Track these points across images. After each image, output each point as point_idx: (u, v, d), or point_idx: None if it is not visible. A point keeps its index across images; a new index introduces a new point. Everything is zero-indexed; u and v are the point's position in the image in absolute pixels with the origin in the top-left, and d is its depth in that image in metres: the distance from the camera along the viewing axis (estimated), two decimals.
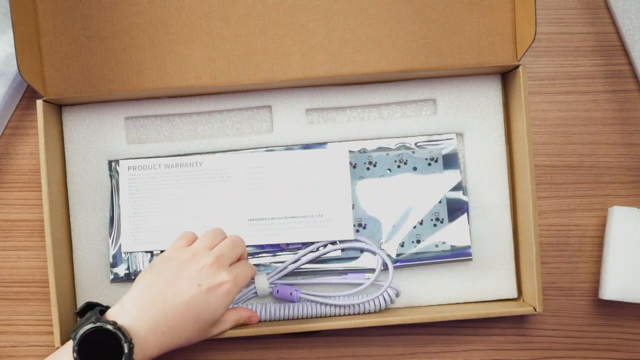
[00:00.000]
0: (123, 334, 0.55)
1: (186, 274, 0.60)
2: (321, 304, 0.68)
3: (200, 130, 0.73)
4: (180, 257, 0.61)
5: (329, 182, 0.71)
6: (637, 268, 0.70)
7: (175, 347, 0.59)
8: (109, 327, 0.56)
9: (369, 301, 0.68)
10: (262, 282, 0.68)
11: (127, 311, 0.58)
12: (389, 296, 0.69)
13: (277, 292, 0.69)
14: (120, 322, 0.57)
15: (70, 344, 0.57)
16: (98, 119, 0.72)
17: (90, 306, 0.63)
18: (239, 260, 0.64)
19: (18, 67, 0.64)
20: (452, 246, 0.71)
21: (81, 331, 0.56)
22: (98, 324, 0.56)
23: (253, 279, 0.68)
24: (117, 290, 0.71)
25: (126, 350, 0.55)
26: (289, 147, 0.72)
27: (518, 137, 0.70)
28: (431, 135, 0.72)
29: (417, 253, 0.71)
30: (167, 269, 0.60)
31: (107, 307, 0.61)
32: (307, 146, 0.72)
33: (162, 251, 0.71)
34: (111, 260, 0.71)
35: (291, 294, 0.69)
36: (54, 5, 0.68)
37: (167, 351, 0.59)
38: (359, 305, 0.68)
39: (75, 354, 0.56)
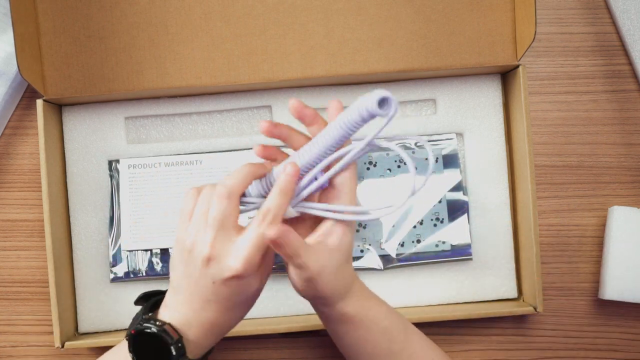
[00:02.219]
0: (169, 335, 0.51)
1: (195, 272, 0.52)
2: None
3: (200, 130, 0.73)
4: (185, 244, 0.52)
5: None
6: (637, 268, 0.70)
7: (231, 329, 0.55)
8: (154, 330, 0.51)
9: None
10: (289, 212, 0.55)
11: (171, 311, 0.53)
12: None
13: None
14: (168, 319, 0.52)
15: (125, 343, 0.54)
16: (98, 119, 0.72)
17: (147, 296, 0.57)
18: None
19: (18, 67, 0.65)
20: (452, 246, 0.71)
21: (130, 332, 0.52)
22: (143, 326, 0.51)
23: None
24: (117, 290, 0.71)
25: (174, 353, 0.50)
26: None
27: (518, 137, 0.70)
28: (431, 135, 0.72)
29: (417, 253, 0.71)
30: (181, 262, 0.53)
31: (164, 294, 0.55)
32: None
33: (162, 250, 0.71)
34: (111, 260, 0.71)
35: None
36: (54, 5, 0.68)
37: (225, 335, 0.55)
38: None
39: (131, 355, 0.52)
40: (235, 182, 0.52)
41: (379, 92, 0.46)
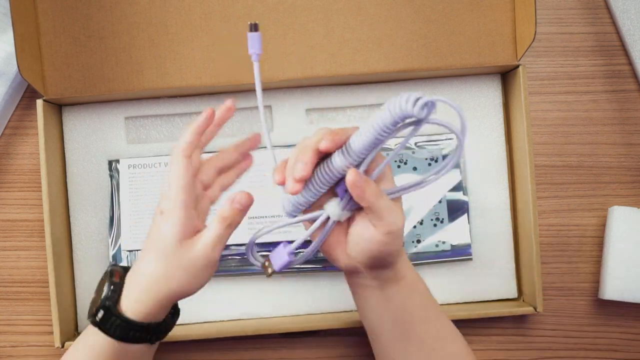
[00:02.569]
0: (112, 274, 0.55)
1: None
2: None
3: None
4: None
5: None
6: (637, 268, 0.70)
7: (163, 297, 0.53)
8: (108, 268, 0.56)
9: None
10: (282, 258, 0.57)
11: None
12: None
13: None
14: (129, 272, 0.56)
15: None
16: (98, 119, 0.72)
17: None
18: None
19: (18, 67, 0.65)
20: (452, 246, 0.71)
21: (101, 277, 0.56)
22: (109, 266, 0.56)
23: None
24: None
25: (105, 289, 0.54)
26: (289, 147, 0.72)
27: (518, 137, 0.70)
28: (431, 135, 0.72)
29: (417, 253, 0.71)
30: None
31: None
32: None
33: None
34: (111, 260, 0.71)
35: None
36: (54, 5, 0.68)
37: (159, 307, 0.54)
38: None
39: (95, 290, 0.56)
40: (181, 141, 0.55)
41: (416, 95, 0.46)
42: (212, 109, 0.55)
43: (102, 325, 0.53)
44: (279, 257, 0.56)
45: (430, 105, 0.46)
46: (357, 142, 0.50)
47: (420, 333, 0.57)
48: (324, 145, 0.51)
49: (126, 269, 0.56)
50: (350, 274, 0.58)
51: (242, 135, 0.72)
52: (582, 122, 0.74)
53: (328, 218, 0.54)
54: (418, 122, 0.48)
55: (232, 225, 0.54)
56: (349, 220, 0.55)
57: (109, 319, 0.53)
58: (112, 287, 0.54)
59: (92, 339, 0.54)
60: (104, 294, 0.53)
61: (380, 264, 0.55)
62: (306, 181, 0.53)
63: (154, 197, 0.71)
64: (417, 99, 0.46)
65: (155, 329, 0.54)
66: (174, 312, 0.57)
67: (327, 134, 0.51)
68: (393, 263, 0.55)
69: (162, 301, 0.53)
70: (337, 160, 0.51)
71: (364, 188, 0.50)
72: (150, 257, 0.53)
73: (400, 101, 0.46)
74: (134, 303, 0.53)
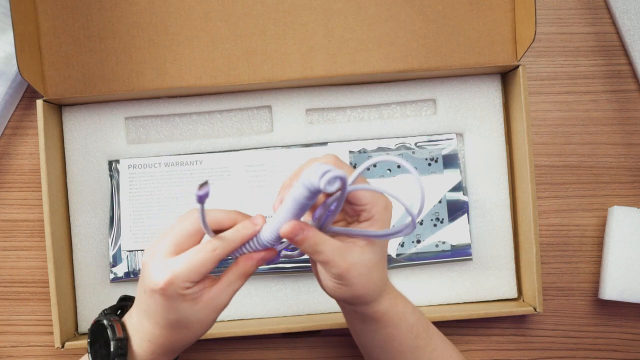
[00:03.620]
0: (114, 331, 0.53)
1: (140, 278, 0.53)
2: None
3: (200, 130, 0.73)
4: (149, 248, 0.53)
5: None
6: (637, 268, 0.70)
7: (181, 348, 0.54)
8: (104, 322, 0.53)
9: None
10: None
11: (130, 315, 0.55)
12: None
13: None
14: (127, 323, 0.54)
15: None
16: (98, 119, 0.72)
17: (126, 299, 0.60)
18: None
19: (18, 67, 0.64)
20: (452, 246, 0.71)
21: (91, 323, 0.55)
22: (99, 318, 0.55)
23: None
24: (117, 290, 0.71)
25: (112, 349, 0.52)
26: (289, 147, 0.72)
27: (518, 137, 0.70)
28: (431, 135, 0.72)
29: (417, 253, 0.71)
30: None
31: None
32: (307, 145, 0.72)
33: None
34: (111, 260, 0.71)
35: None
36: (54, 5, 0.68)
37: (178, 353, 0.55)
38: None
39: (88, 347, 0.54)
40: (213, 213, 0.51)
41: (324, 168, 0.44)
42: (263, 220, 0.51)
43: None
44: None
45: (334, 180, 0.44)
46: (276, 219, 0.49)
47: (412, 359, 0.57)
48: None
49: (124, 309, 0.56)
50: (337, 302, 0.58)
51: (242, 136, 0.73)
52: (582, 122, 0.74)
53: None
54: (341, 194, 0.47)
55: (249, 275, 0.52)
56: None
57: None
58: (119, 344, 0.52)
59: None
60: (112, 354, 0.52)
61: (349, 303, 0.54)
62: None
63: (154, 197, 0.71)
64: (325, 173, 0.43)
65: None
66: None
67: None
68: (366, 304, 0.54)
69: (177, 351, 0.54)
70: (265, 234, 0.50)
71: (301, 241, 0.48)
72: (159, 324, 0.52)
73: (310, 173, 0.44)
74: (147, 357, 0.53)
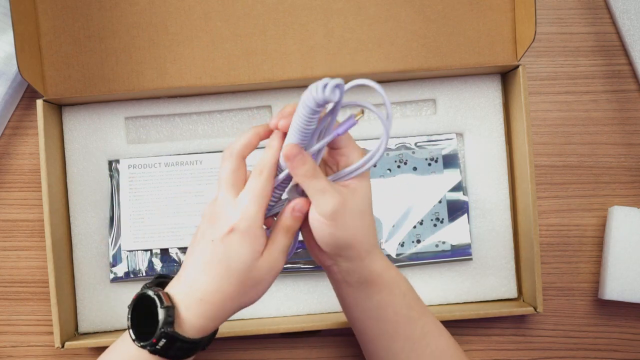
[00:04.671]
0: (160, 299, 0.51)
1: (200, 234, 0.54)
2: None
3: (200, 130, 0.73)
4: (205, 213, 0.55)
5: None
6: (637, 268, 0.70)
7: (231, 311, 0.54)
8: (149, 292, 0.52)
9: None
10: None
11: (173, 283, 0.54)
12: None
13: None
14: (168, 289, 0.53)
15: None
16: (98, 119, 0.72)
17: (161, 277, 0.59)
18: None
19: (18, 67, 0.65)
20: (452, 246, 0.71)
21: (132, 298, 0.54)
22: (142, 291, 0.53)
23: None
24: (117, 290, 0.71)
25: (161, 316, 0.50)
26: None
27: (518, 137, 0.70)
28: (431, 135, 0.72)
29: (417, 253, 0.71)
30: (198, 231, 0.55)
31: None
32: None
33: (162, 250, 0.71)
34: (111, 260, 0.71)
35: None
36: (54, 5, 0.68)
37: (226, 318, 0.54)
38: None
39: (128, 322, 0.53)
40: (237, 142, 0.54)
41: (324, 81, 0.47)
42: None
43: (164, 352, 0.51)
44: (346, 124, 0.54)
45: (340, 87, 0.47)
46: (288, 138, 0.51)
47: (405, 332, 0.57)
48: (274, 124, 0.52)
49: (164, 285, 0.55)
50: (329, 270, 0.57)
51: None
52: (582, 122, 0.74)
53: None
54: (335, 106, 0.50)
55: (295, 232, 0.54)
56: None
57: (173, 344, 0.51)
58: (167, 312, 0.51)
59: (131, 352, 0.52)
60: (161, 320, 0.51)
61: (340, 253, 0.54)
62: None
63: (154, 197, 0.71)
64: (326, 85, 0.47)
65: (212, 337, 0.55)
66: None
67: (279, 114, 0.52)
68: (359, 257, 0.54)
69: (227, 315, 0.54)
70: (282, 164, 0.53)
71: (297, 165, 0.50)
72: (220, 275, 0.52)
73: (311, 90, 0.48)
74: (197, 320, 0.52)
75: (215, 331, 0.55)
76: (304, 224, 0.55)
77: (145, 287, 0.54)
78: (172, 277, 0.56)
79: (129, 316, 0.53)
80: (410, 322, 0.57)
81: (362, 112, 0.52)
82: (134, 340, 0.52)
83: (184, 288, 0.53)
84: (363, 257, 0.54)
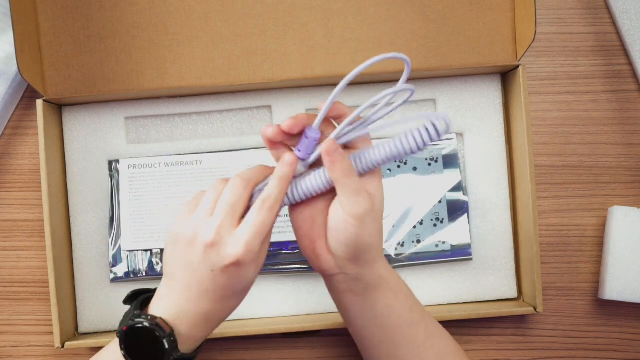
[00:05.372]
0: (161, 329, 0.51)
1: (195, 260, 0.52)
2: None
3: (200, 130, 0.73)
4: (183, 236, 0.53)
5: None
6: (637, 268, 0.70)
7: (223, 320, 0.55)
8: (146, 324, 0.51)
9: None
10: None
11: (164, 304, 0.53)
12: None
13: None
14: (160, 314, 0.52)
15: (116, 341, 0.53)
16: (98, 119, 0.72)
17: (135, 295, 0.57)
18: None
19: (18, 67, 0.64)
20: (452, 246, 0.71)
21: (121, 329, 0.53)
22: (135, 321, 0.52)
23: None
24: (117, 290, 0.71)
25: (167, 346, 0.51)
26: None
27: (518, 137, 0.70)
28: None
29: (417, 253, 0.71)
30: (177, 253, 0.53)
31: (153, 292, 0.56)
32: None
33: (162, 250, 0.71)
34: (111, 260, 0.71)
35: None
36: (54, 5, 0.68)
37: (217, 326, 0.55)
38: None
39: (123, 352, 0.52)
40: (253, 174, 0.53)
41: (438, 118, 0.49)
42: (294, 156, 0.53)
43: None
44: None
45: (446, 123, 0.49)
46: (374, 154, 0.52)
47: (409, 336, 0.57)
48: (286, 126, 0.52)
49: (147, 300, 0.55)
50: (333, 279, 0.56)
51: (242, 136, 0.73)
52: (582, 122, 0.74)
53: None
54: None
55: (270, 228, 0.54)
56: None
57: None
58: (172, 338, 0.51)
59: None
60: (168, 351, 0.51)
61: (355, 256, 0.54)
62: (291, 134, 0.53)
63: (154, 197, 0.71)
64: (436, 129, 0.49)
65: (199, 349, 0.55)
66: None
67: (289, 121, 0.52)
68: (373, 260, 0.54)
69: (215, 328, 0.55)
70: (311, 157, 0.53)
71: (337, 160, 0.50)
72: (224, 298, 0.52)
73: (424, 133, 0.50)
74: (199, 337, 0.53)
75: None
76: (307, 232, 0.55)
77: (133, 316, 0.53)
78: (149, 290, 0.57)
79: (123, 346, 0.52)
80: (414, 325, 0.57)
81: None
82: None
83: (183, 311, 0.52)
84: (375, 261, 0.55)
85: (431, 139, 0.49)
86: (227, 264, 0.50)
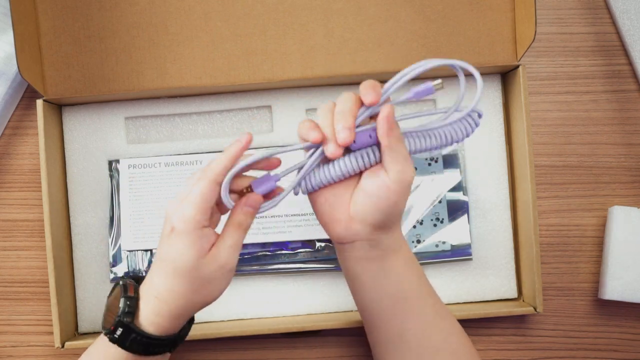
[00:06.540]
0: (126, 289, 0.53)
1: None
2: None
3: (200, 130, 0.73)
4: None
5: None
6: (637, 268, 0.70)
7: (186, 311, 0.53)
8: (121, 281, 0.54)
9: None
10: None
11: (147, 276, 0.55)
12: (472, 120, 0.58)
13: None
14: (141, 285, 0.55)
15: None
16: (98, 119, 0.72)
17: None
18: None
19: (18, 67, 0.65)
20: (452, 246, 0.71)
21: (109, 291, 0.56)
22: (118, 280, 0.55)
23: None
24: None
25: (121, 305, 0.52)
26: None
27: (518, 137, 0.70)
28: None
29: (417, 253, 0.71)
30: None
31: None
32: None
33: None
34: (111, 260, 0.71)
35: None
36: (54, 5, 0.68)
37: (183, 318, 0.54)
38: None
39: (105, 309, 0.55)
40: (216, 164, 0.53)
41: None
42: (250, 134, 0.53)
43: (121, 342, 0.52)
44: (263, 182, 0.53)
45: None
46: (424, 141, 0.55)
47: (418, 308, 0.57)
48: (369, 100, 0.52)
49: (138, 280, 0.56)
50: (346, 247, 0.56)
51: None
52: (582, 122, 0.74)
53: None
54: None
55: (246, 228, 0.53)
56: (354, 181, 0.54)
57: (129, 335, 0.52)
58: (128, 302, 0.53)
59: (108, 351, 0.53)
60: (120, 309, 0.52)
61: (384, 222, 0.54)
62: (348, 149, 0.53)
63: (154, 197, 0.71)
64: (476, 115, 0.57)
65: (174, 340, 0.55)
66: (190, 319, 0.57)
67: (368, 88, 0.52)
68: (395, 226, 0.55)
69: (183, 315, 0.54)
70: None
71: (393, 126, 0.52)
72: (168, 273, 0.52)
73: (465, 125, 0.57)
74: (154, 318, 0.53)
75: (182, 335, 0.56)
76: (330, 200, 0.55)
77: (124, 277, 0.56)
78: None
79: (107, 303, 0.55)
80: (422, 299, 0.57)
81: (442, 85, 0.54)
82: (103, 328, 0.54)
83: (146, 284, 0.54)
84: (397, 227, 0.56)
85: (472, 130, 0.56)
86: (167, 232, 0.52)
